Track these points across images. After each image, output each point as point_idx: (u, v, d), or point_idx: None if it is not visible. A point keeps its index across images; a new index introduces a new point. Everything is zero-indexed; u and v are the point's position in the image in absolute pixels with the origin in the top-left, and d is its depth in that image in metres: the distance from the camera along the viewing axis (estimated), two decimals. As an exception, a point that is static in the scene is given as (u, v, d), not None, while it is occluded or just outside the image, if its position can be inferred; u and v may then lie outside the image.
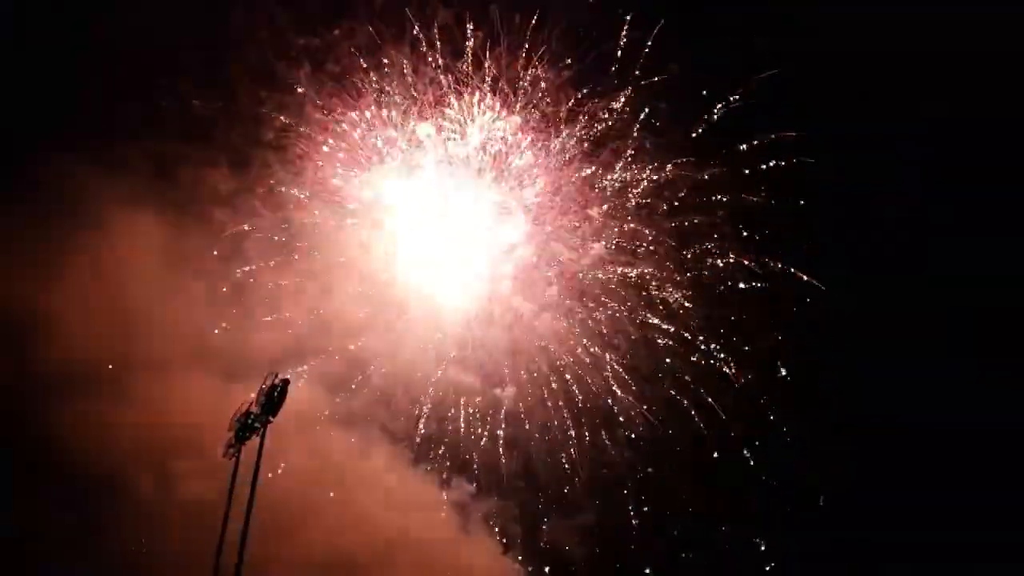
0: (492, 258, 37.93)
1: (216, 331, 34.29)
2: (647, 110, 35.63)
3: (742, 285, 36.49)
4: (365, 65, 35.13)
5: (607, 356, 36.54)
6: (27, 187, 31.34)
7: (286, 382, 24.57)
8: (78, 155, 31.68)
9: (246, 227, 35.49)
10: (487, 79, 35.63)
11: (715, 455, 36.36)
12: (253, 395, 24.66)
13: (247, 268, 35.40)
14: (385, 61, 35.22)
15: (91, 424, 28.92)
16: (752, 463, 36.05)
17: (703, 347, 36.68)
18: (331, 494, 33.16)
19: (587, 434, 36.23)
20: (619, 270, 37.11)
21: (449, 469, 36.04)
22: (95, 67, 32.95)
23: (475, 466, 36.07)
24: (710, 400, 36.20)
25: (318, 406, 34.20)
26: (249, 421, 24.19)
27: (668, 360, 36.74)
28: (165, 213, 33.77)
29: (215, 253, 35.25)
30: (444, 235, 37.62)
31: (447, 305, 37.52)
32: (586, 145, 36.59)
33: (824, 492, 36.38)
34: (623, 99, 35.56)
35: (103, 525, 28.18)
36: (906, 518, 35.12)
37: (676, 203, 36.53)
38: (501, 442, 36.21)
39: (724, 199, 36.11)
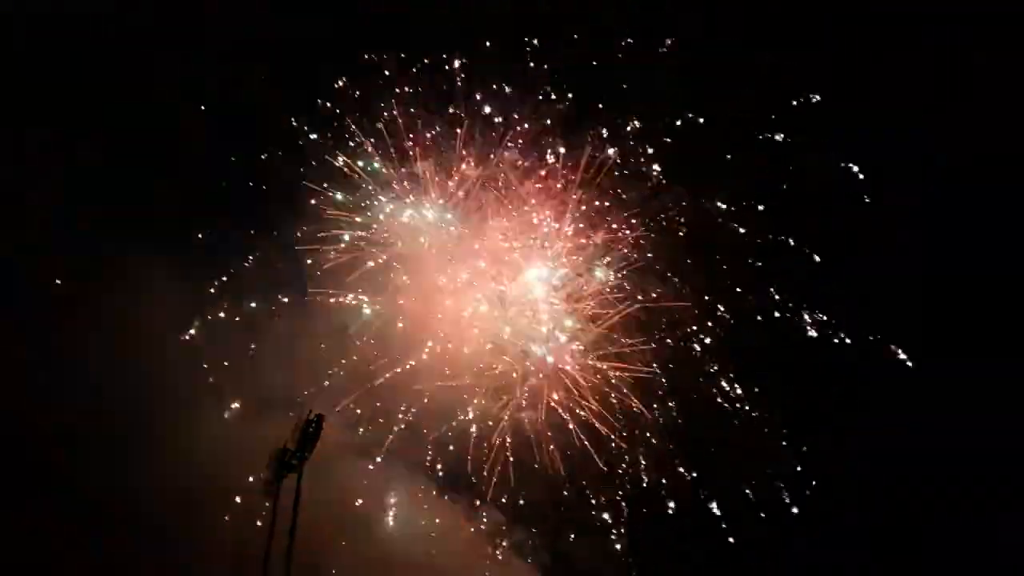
0: (498, 286, 38.20)
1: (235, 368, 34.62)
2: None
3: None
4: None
5: (621, 377, 36.90)
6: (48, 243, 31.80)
7: (320, 417, 24.80)
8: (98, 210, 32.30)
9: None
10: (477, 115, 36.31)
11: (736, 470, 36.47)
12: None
13: (261, 307, 35.95)
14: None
15: (116, 466, 28.94)
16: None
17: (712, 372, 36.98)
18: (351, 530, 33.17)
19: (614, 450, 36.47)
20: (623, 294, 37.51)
21: (475, 498, 36.07)
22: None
23: (501, 494, 36.05)
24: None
25: (340, 441, 34.09)
26: (286, 459, 24.42)
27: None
28: (178, 256, 34.13)
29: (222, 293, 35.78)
30: (450, 268, 37.95)
31: (458, 337, 37.66)
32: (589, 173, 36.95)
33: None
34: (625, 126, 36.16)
35: (132, 570, 28.06)
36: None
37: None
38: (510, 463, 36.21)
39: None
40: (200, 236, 35.53)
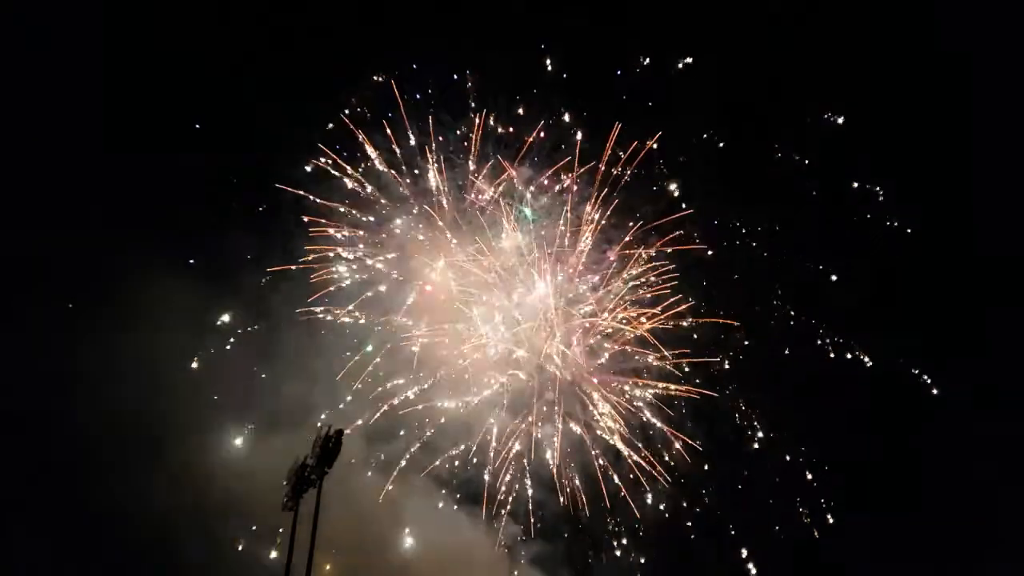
0: (514, 305, 37.96)
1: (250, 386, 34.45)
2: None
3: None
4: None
5: (638, 394, 36.71)
6: (68, 260, 32.04)
7: (340, 433, 24.52)
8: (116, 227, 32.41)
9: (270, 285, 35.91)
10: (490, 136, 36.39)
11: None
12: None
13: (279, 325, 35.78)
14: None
15: (137, 487, 28.77)
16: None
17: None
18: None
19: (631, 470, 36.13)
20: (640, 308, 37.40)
21: (493, 512, 35.72)
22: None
23: (522, 508, 35.85)
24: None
25: (358, 455, 34.06)
26: (306, 474, 24.13)
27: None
28: (193, 277, 34.34)
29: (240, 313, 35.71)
30: (465, 287, 37.85)
31: (474, 353, 37.47)
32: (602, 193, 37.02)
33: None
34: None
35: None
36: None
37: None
38: (526, 481, 36.15)
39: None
40: (213, 254, 35.55)
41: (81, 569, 27.77)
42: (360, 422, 34.95)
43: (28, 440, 28.48)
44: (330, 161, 35.98)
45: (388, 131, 35.71)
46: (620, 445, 35.92)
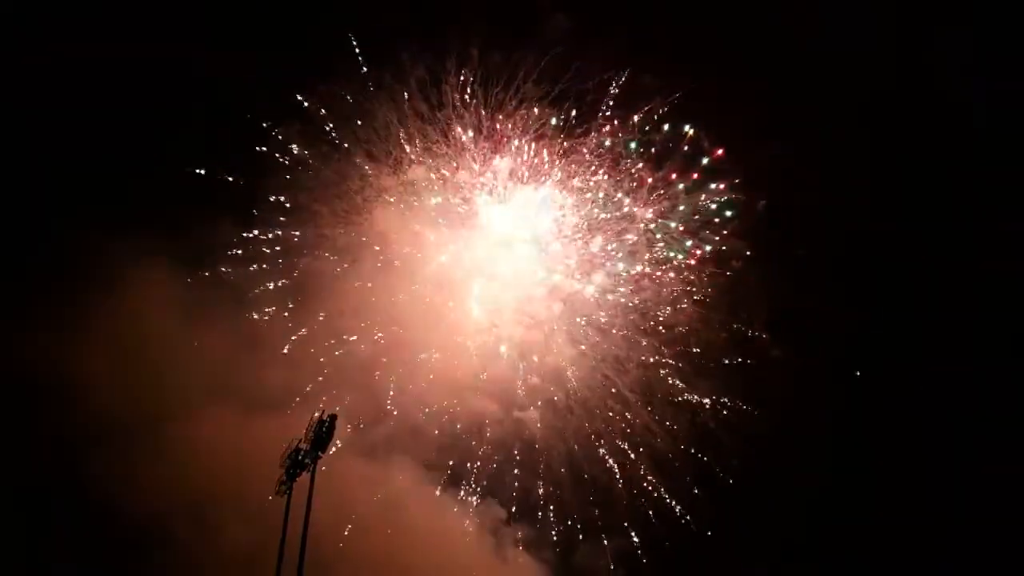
0: (496, 291, 38.45)
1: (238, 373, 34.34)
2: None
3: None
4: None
5: (618, 380, 37.32)
6: (48, 253, 32.11)
7: (334, 417, 24.95)
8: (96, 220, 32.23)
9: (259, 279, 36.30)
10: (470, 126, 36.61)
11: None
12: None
13: (263, 313, 36.14)
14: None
15: (127, 475, 29.04)
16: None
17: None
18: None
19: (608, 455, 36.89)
20: (621, 300, 38.10)
21: (480, 494, 36.42)
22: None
23: (507, 490, 36.58)
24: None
25: (346, 441, 34.23)
26: (299, 458, 24.55)
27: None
28: (179, 268, 34.52)
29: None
30: (447, 272, 38.22)
31: (458, 337, 37.90)
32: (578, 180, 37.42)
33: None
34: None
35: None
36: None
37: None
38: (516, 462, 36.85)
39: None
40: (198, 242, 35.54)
41: (60, 559, 28.03)
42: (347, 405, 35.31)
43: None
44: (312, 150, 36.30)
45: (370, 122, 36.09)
46: (601, 431, 36.83)
